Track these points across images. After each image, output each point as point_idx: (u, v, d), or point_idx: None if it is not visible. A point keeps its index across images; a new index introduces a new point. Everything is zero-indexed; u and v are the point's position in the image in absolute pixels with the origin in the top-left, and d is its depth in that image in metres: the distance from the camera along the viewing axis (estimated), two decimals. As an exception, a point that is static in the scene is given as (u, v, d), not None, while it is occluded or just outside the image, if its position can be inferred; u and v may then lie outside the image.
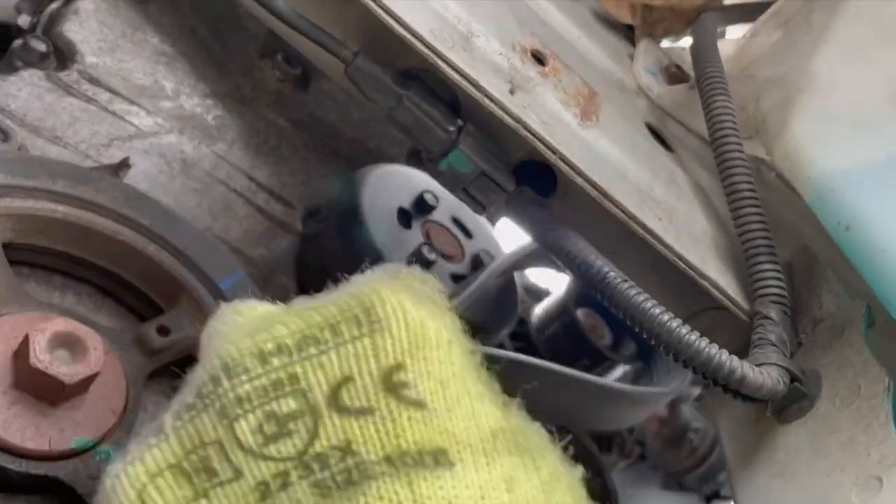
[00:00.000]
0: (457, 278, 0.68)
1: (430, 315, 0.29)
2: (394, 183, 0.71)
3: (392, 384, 0.27)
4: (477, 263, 0.70)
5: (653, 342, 0.44)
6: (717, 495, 0.94)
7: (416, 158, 0.51)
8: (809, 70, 0.53)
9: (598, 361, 0.80)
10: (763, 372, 0.43)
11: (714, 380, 0.43)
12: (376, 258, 0.64)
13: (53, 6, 0.70)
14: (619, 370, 0.82)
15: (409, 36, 0.44)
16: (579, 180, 0.47)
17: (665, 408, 0.96)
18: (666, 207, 0.51)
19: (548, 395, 0.67)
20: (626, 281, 0.45)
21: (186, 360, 0.51)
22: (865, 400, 0.41)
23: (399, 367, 0.27)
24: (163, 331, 0.48)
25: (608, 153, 0.51)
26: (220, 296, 0.51)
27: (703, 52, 0.57)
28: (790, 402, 0.45)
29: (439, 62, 0.45)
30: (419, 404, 0.27)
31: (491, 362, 0.31)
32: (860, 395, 0.41)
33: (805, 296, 0.53)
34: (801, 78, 0.53)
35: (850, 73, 0.52)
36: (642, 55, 0.62)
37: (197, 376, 0.29)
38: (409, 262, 0.66)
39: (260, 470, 0.26)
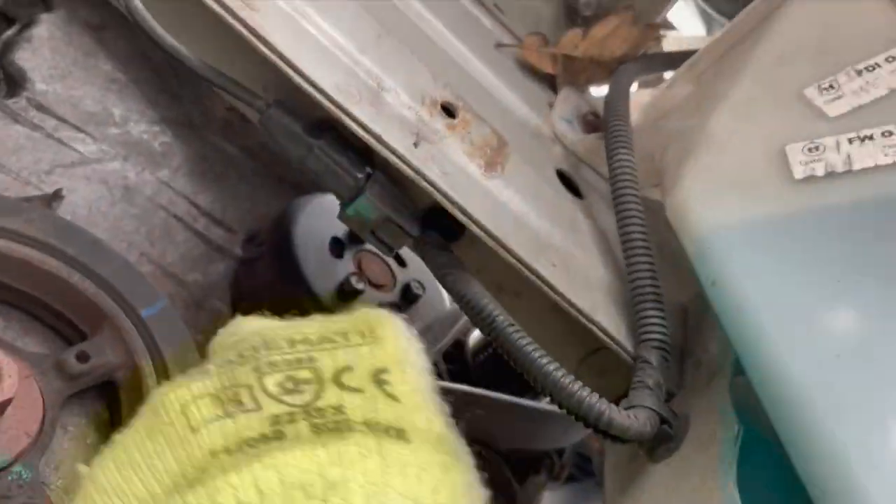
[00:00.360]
0: (385, 307, 0.71)
1: (412, 347, 0.39)
2: (330, 212, 0.74)
3: (378, 379, 0.36)
4: (406, 292, 0.73)
5: (532, 384, 0.47)
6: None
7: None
8: (706, 128, 0.57)
9: (527, 387, 0.83)
10: (631, 415, 0.46)
11: (585, 421, 0.46)
12: (302, 285, 0.67)
13: (9, 33, 0.73)
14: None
15: (312, 90, 0.47)
16: (475, 229, 0.50)
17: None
18: (563, 254, 0.55)
19: (482, 418, 0.72)
20: (512, 325, 0.48)
21: (106, 385, 0.54)
22: (717, 445, 0.44)
23: (385, 370, 0.36)
24: (82, 357, 0.51)
25: (510, 202, 0.54)
26: (142, 323, 0.54)
27: (613, 106, 0.61)
28: (658, 444, 0.48)
29: (343, 116, 0.48)
30: (393, 397, 0.36)
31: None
32: (715, 441, 0.45)
33: (695, 339, 0.57)
34: (697, 135, 0.57)
35: (740, 133, 0.55)
36: (561, 103, 0.66)
37: (239, 344, 0.37)
38: (337, 292, 0.69)
39: (275, 408, 0.34)
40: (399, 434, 0.34)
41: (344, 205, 0.52)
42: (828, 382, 0.39)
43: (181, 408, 0.34)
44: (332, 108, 0.48)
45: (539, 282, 0.52)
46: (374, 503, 0.31)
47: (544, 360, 0.47)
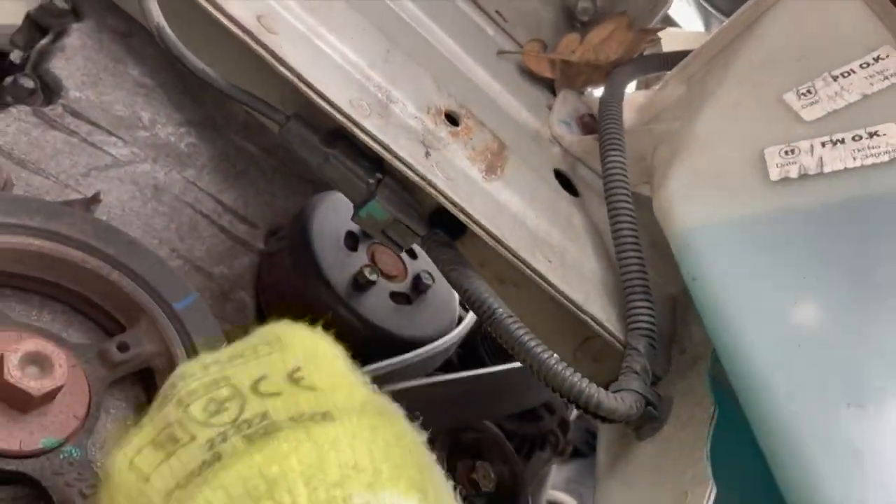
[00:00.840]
0: (397, 296, 0.76)
1: (322, 340, 0.42)
2: (345, 209, 0.79)
3: (293, 378, 0.39)
4: (417, 282, 0.78)
5: (529, 370, 0.52)
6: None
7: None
8: (692, 129, 0.61)
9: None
10: (618, 398, 0.51)
11: (576, 404, 0.51)
12: (320, 276, 0.72)
13: (43, 42, 0.77)
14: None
15: (326, 106, 0.52)
16: (476, 229, 0.55)
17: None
18: (559, 250, 0.59)
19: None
20: (511, 317, 0.53)
21: (144, 371, 0.59)
22: (695, 425, 0.49)
23: (297, 368, 0.40)
24: (123, 347, 0.57)
25: (509, 203, 0.59)
26: (175, 316, 0.59)
27: (607, 108, 0.65)
28: (644, 423, 0.53)
29: (355, 130, 0.53)
30: (311, 388, 0.39)
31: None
32: (692, 421, 0.49)
33: (681, 327, 0.62)
34: (684, 136, 0.61)
35: (724, 135, 0.59)
36: (559, 106, 0.70)
37: (161, 389, 0.41)
38: (352, 282, 0.74)
39: (207, 432, 0.38)
40: (324, 416, 0.37)
41: (357, 207, 0.57)
42: (789, 368, 0.43)
43: (129, 464, 0.38)
44: (345, 121, 0.52)
45: (536, 277, 0.56)
46: (315, 483, 0.34)
47: (539, 349, 0.52)
